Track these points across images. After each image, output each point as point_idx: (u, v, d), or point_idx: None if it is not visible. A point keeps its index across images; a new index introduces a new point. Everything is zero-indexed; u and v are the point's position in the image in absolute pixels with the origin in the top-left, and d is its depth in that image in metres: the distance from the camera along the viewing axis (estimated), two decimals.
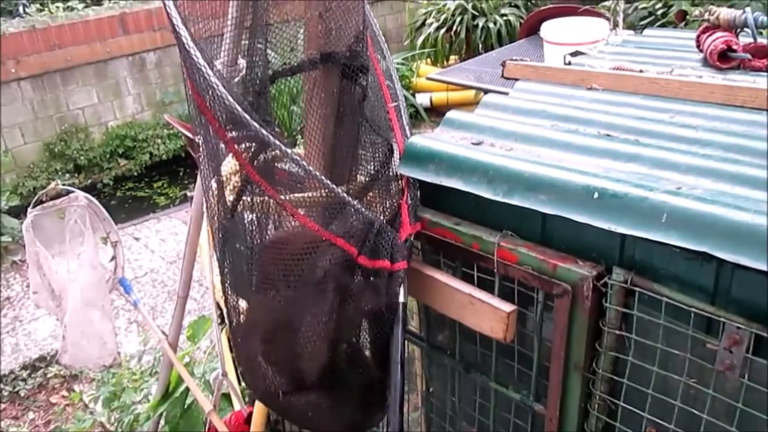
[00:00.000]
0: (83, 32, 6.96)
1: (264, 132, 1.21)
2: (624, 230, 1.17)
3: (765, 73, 1.72)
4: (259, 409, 1.84)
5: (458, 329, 1.55)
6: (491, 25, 7.37)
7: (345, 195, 1.32)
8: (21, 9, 7.42)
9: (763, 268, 1.02)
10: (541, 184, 1.29)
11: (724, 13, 1.79)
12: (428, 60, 8.04)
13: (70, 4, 7.20)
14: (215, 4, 1.41)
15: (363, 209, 1.34)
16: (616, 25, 5.29)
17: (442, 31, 7.62)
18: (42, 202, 2.13)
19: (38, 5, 7.27)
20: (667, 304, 1.16)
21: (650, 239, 1.14)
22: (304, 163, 1.25)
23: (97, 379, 3.61)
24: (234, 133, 1.34)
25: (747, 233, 1.05)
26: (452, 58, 7.68)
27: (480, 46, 7.35)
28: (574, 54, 2.19)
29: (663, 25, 5.57)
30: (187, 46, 1.22)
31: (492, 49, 6.88)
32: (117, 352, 2.22)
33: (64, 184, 2.33)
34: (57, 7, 7.05)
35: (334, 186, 1.31)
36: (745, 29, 1.79)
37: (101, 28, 7.09)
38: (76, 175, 7.02)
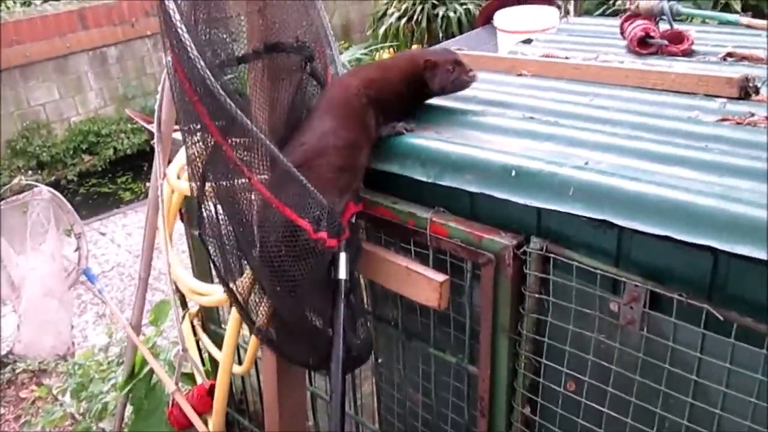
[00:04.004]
0: (42, 27, 6.92)
1: (230, 104, 1.29)
2: (538, 204, 1.30)
3: (680, 58, 1.87)
4: (221, 382, 1.94)
5: (400, 301, 1.67)
6: (451, 14, 7.50)
7: (301, 176, 1.40)
8: None
9: (654, 232, 1.15)
10: (467, 165, 1.41)
11: (644, 2, 1.93)
12: (391, 50, 8.12)
13: None
14: None
15: (315, 191, 1.42)
16: (567, 13, 5.45)
17: (404, 20, 7.73)
18: (6, 198, 2.19)
19: None
20: (578, 268, 1.29)
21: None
22: (267, 142, 1.34)
23: (65, 372, 3.67)
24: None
25: (639, 201, 1.18)
26: (414, 47, 7.78)
27: (441, 34, 7.47)
28: (526, 41, 2.32)
29: (616, 12, 5.75)
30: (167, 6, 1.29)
31: (453, 37, 7.01)
32: (72, 342, 2.29)
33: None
34: (14, 2, 6.99)
35: (291, 166, 1.39)
36: (663, 17, 1.93)
37: (60, 23, 7.05)
38: (39, 171, 7.00)
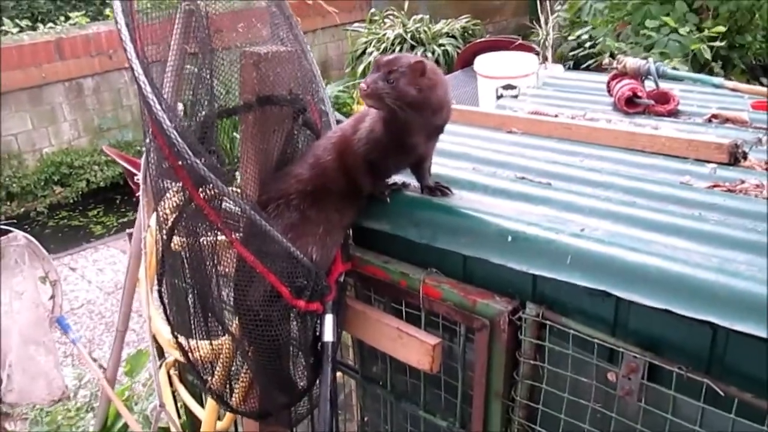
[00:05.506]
0: (17, 57, 6.82)
1: (213, 178, 1.25)
2: (535, 271, 1.28)
3: (666, 118, 1.90)
4: None
5: (389, 361, 1.63)
6: (429, 54, 7.58)
7: (289, 245, 1.37)
8: None
9: (654, 305, 1.14)
10: (461, 228, 1.40)
11: (631, 62, 1.96)
12: None
13: (3, 28, 7.05)
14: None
15: (302, 257, 1.40)
16: (545, 59, 5.53)
17: None
18: None
19: None
20: (574, 335, 1.27)
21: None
22: (248, 208, 1.31)
23: (30, 419, 3.52)
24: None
25: (639, 273, 1.17)
26: None
27: None
28: (506, 87, 2.34)
29: (589, 56, 5.89)
30: (138, 80, 1.25)
31: None
32: (65, 386, 2.21)
33: None
34: None
35: (277, 233, 1.36)
36: (649, 77, 1.96)
37: (36, 53, 6.96)
38: (8, 203, 6.83)
